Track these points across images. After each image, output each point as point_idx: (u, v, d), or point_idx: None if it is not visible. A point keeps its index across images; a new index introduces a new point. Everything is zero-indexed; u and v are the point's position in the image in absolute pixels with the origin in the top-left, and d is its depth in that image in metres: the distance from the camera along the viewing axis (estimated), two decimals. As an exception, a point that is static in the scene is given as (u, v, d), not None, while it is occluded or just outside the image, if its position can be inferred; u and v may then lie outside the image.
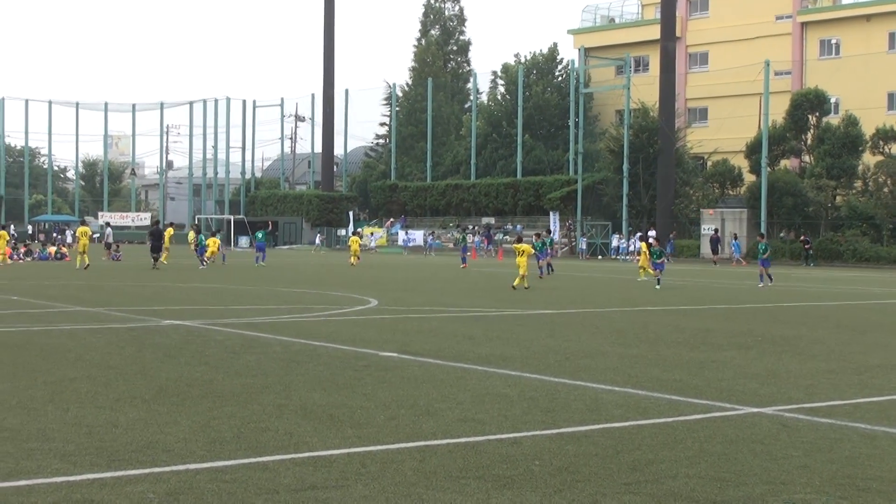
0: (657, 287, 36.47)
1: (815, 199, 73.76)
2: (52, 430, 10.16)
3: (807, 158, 78.43)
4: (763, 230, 72.95)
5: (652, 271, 40.29)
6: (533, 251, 42.51)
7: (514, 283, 34.88)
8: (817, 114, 77.25)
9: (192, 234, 57.39)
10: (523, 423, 10.90)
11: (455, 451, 9.55)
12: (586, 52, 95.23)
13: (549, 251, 48.48)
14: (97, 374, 13.98)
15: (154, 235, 50.41)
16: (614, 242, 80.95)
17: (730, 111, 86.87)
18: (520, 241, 38.47)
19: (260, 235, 59.00)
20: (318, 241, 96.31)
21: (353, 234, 71.40)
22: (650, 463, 9.20)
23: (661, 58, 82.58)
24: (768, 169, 75.11)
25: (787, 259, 71.38)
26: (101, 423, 10.54)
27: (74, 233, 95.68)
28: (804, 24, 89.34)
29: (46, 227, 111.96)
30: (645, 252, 44.69)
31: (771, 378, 14.65)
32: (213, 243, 55.63)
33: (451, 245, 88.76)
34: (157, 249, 49.47)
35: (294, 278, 41.51)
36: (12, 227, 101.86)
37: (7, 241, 56.99)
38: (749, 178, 79.32)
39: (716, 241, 69.50)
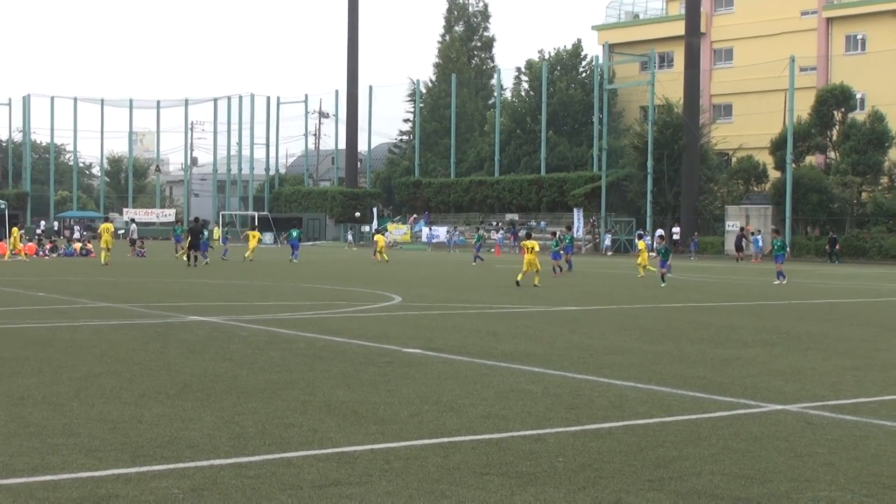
0: (662, 285, 35.98)
1: (841, 195, 73.46)
2: (78, 426, 10.21)
3: (832, 154, 78.11)
4: (788, 227, 72.78)
5: (653, 268, 40.55)
6: (555, 247, 42.43)
7: (518, 277, 34.58)
8: (843, 109, 76.93)
9: (217, 232, 57.63)
10: (547, 420, 10.89)
11: (478, 447, 9.55)
12: (610, 48, 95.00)
13: (571, 248, 48.26)
14: (122, 369, 14.04)
15: (193, 232, 49.40)
16: (636, 240, 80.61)
17: (754, 107, 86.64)
18: (529, 237, 37.88)
19: (294, 234, 59.43)
20: (349, 237, 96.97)
21: (377, 231, 71.42)
22: (674, 460, 9.17)
23: (685, 54, 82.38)
24: (793, 165, 74.82)
25: (813, 256, 71.14)
26: (125, 419, 10.58)
27: (82, 228, 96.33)
28: (830, 20, 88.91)
29: (71, 223, 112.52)
30: (643, 249, 44.75)
31: (796, 375, 14.59)
32: (253, 237, 56.54)
33: (473, 241, 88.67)
34: (195, 247, 48.32)
35: (318, 275, 41.57)
36: (42, 223, 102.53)
37: (30, 238, 57.39)
38: (774, 174, 79.03)
39: (741, 238, 69.28)
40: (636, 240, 50.92)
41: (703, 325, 22.22)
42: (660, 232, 74.28)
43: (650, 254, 46.01)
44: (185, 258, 48.81)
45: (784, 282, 39.47)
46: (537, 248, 34.99)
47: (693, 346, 17.93)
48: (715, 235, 78.71)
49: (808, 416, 11.50)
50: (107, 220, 54.82)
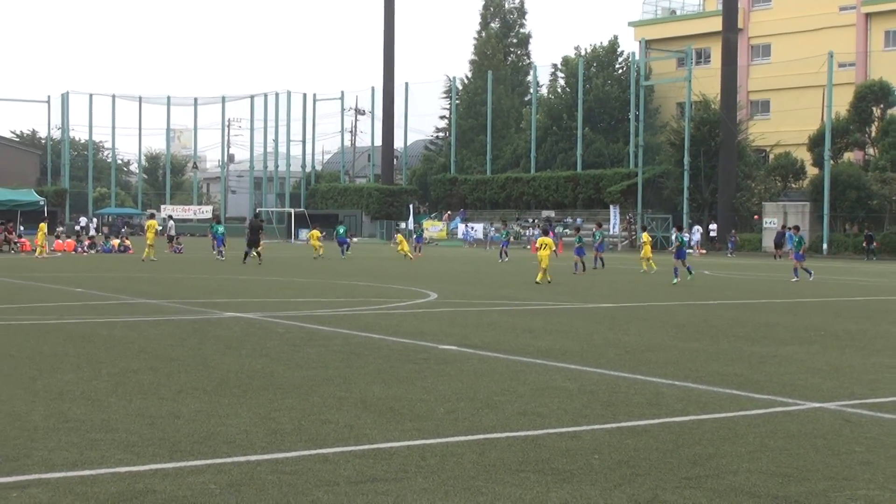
0: (674, 281, 35.46)
1: (880, 192, 72.90)
2: (116, 421, 10.27)
3: (871, 151, 77.58)
4: (825, 224, 72.32)
5: (655, 265, 41.57)
6: (578, 243, 41.89)
7: (538, 279, 34.20)
8: (882, 106, 76.38)
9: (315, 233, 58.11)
10: (583, 417, 10.87)
11: (514, 444, 9.54)
12: (647, 45, 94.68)
13: (602, 247, 48.01)
14: (159, 365, 14.12)
15: (252, 229, 48.99)
16: (696, 236, 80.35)
17: (792, 103, 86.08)
18: (546, 233, 37.07)
19: (341, 230, 59.97)
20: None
21: (398, 231, 71.39)
22: (711, 458, 9.14)
23: (722, 50, 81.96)
24: (831, 162, 74.32)
25: (851, 253, 70.69)
26: (163, 415, 10.64)
27: (121, 224, 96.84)
28: (868, 15, 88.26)
29: (110, 220, 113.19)
30: (648, 243, 44.49)
31: (834, 373, 14.51)
32: (314, 236, 57.10)
33: (511, 238, 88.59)
34: (254, 243, 47.40)
35: (354, 271, 41.64)
36: (83, 219, 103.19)
37: (69, 235, 57.83)
38: (812, 171, 78.58)
39: (781, 236, 68.80)
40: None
41: (739, 322, 22.12)
42: (695, 228, 73.98)
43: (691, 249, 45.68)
44: (246, 256, 48.34)
45: (796, 280, 38.44)
46: (553, 246, 34.57)
47: (730, 344, 17.85)
48: (752, 232, 78.33)
49: (846, 413, 11.43)
50: (152, 216, 55.15)
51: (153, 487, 7.89)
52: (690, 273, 36.12)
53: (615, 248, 79.90)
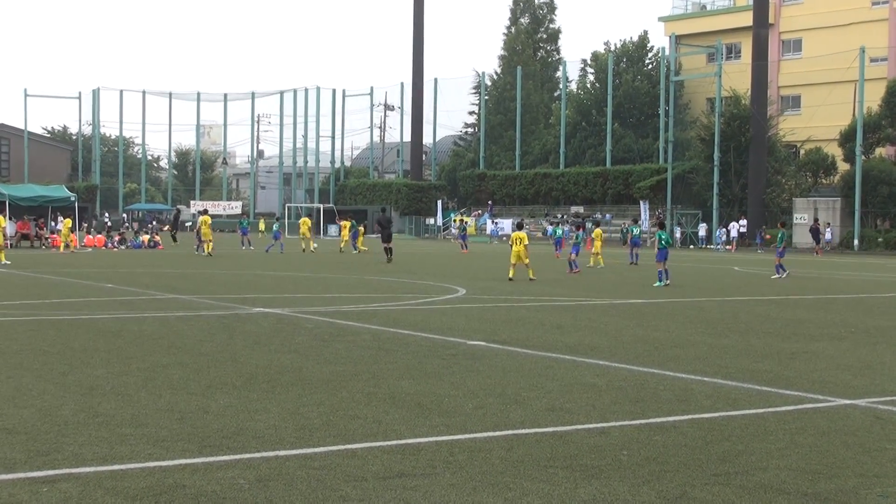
0: (656, 284, 31.90)
1: (912, 187, 72.44)
2: (145, 416, 10.32)
3: (903, 147, 77.08)
4: (857, 220, 71.91)
5: (602, 261, 42.17)
6: (559, 240, 40.81)
7: (511, 275, 33.29)
8: (914, 101, 75.83)
9: (262, 224, 59.09)
10: (611, 413, 10.86)
11: (543, 440, 9.54)
12: (677, 40, 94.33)
13: (638, 241, 47.97)
14: (189, 360, 14.17)
15: (382, 224, 48.77)
16: (701, 232, 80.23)
17: (823, 99, 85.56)
18: (520, 227, 35.45)
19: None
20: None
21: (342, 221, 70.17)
22: (740, 454, 9.11)
23: (753, 45, 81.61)
24: (863, 157, 73.90)
25: (882, 249, 70.28)
26: (192, 410, 10.68)
27: (150, 219, 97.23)
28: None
29: (140, 215, 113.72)
30: (599, 238, 44.63)
31: (865, 369, 14.43)
32: (344, 227, 57.91)
33: (538, 234, 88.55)
34: (388, 238, 47.26)
35: (382, 267, 41.67)
36: (107, 215, 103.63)
37: (99, 230, 58.22)
38: (843, 166, 78.11)
39: (815, 231, 68.42)
40: (591, 226, 49.79)
41: (769, 318, 22.03)
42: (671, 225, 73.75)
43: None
44: (360, 248, 47.89)
45: (783, 276, 37.12)
46: (526, 241, 33.39)
47: (759, 340, 17.79)
48: (783, 229, 77.87)
49: (877, 411, 11.37)
50: (205, 212, 55.65)
51: (182, 482, 7.92)
52: (661, 280, 32.03)
53: (643, 244, 79.68)
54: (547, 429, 10.02)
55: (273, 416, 10.42)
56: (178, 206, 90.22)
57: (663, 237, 33.34)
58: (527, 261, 33.23)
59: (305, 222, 59.39)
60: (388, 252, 46.14)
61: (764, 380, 13.28)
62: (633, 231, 48.95)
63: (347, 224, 60.25)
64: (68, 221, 55.17)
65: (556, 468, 8.51)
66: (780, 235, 38.82)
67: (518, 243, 33.28)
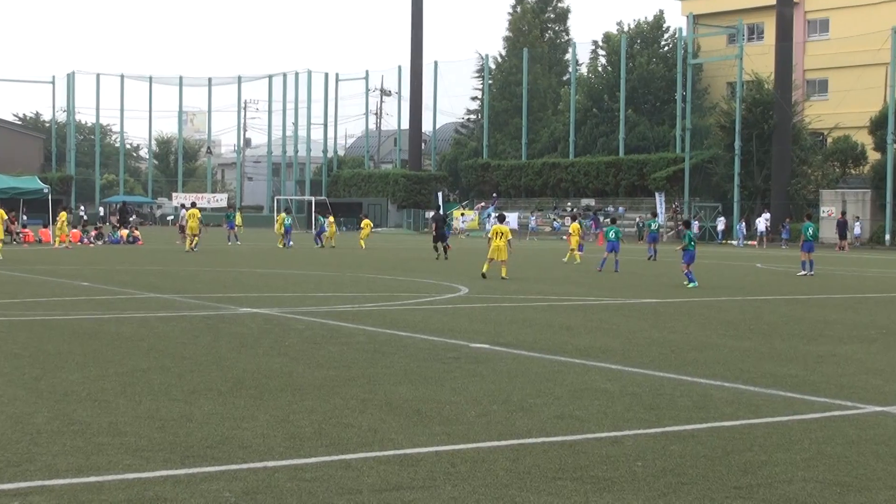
0: (692, 285, 30.95)
1: (947, 178, 72.50)
2: (124, 424, 10.33)
3: (938, 134, 77.07)
4: (889, 213, 71.93)
5: (579, 256, 42.84)
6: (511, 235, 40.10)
7: (484, 269, 32.96)
8: (950, 85, 75.82)
9: (282, 217, 59.68)
10: (625, 421, 10.86)
11: (551, 450, 9.55)
12: (695, 20, 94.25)
13: (656, 235, 48.16)
14: (170, 364, 14.19)
15: (438, 222, 49.57)
16: (720, 226, 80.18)
17: (852, 83, 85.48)
18: (501, 220, 35.27)
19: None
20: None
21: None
22: (763, 465, 9.12)
23: (777, 25, 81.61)
24: (895, 146, 73.91)
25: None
26: (174, 417, 10.69)
27: (129, 213, 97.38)
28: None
29: (118, 207, 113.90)
30: (576, 232, 45.17)
31: (897, 374, 14.46)
32: (331, 222, 60.72)
33: (546, 229, 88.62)
34: (442, 238, 47.82)
35: (379, 264, 41.72)
36: (82, 208, 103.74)
37: (70, 224, 58.34)
38: (873, 156, 78.13)
39: (843, 225, 68.47)
40: (569, 221, 50.04)
41: (794, 319, 22.06)
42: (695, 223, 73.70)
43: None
44: (434, 251, 48.35)
45: (810, 273, 37.03)
46: (509, 236, 32.99)
47: (783, 343, 17.80)
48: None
49: (910, 418, 11.40)
50: (193, 205, 56.34)
51: (164, 495, 7.93)
52: (692, 281, 31.32)
53: (662, 239, 79.75)
54: (555, 438, 10.03)
55: (261, 424, 10.43)
56: (124, 200, 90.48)
57: (691, 236, 32.58)
58: (504, 257, 32.64)
59: (281, 218, 60.84)
60: (445, 250, 47.17)
61: (788, 385, 13.29)
62: (650, 225, 49.07)
63: (332, 219, 61.36)
64: (64, 215, 55.59)
65: (565, 480, 8.52)
66: (805, 227, 38.56)
67: (499, 237, 32.78)
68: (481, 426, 10.51)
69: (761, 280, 35.10)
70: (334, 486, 8.22)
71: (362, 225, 60.81)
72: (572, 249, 44.58)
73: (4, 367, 13.85)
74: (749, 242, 74.94)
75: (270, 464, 8.88)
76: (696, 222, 77.85)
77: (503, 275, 32.55)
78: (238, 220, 76.00)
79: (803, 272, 36.90)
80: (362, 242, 58.05)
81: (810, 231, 37.99)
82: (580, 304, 24.98)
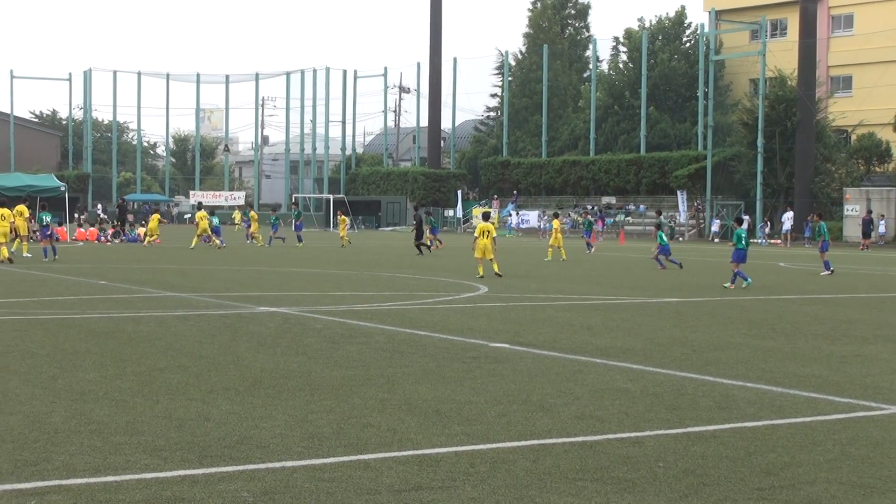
0: (745, 284, 30.42)
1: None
2: (141, 424, 10.36)
3: (964, 131, 76.87)
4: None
5: (564, 252, 43.75)
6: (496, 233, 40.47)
7: (480, 272, 32.71)
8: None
9: (237, 215, 60.89)
10: (646, 422, 10.85)
11: (571, 450, 9.54)
12: (717, 15, 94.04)
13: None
14: (188, 364, 14.22)
15: (418, 222, 50.99)
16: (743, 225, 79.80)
17: (877, 79, 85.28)
18: (486, 218, 35.08)
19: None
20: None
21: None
22: (786, 466, 9.10)
23: (800, 20, 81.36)
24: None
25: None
26: (192, 417, 10.71)
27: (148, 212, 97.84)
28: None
29: (136, 206, 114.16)
30: (557, 230, 46.06)
31: (922, 374, 14.41)
32: (343, 221, 60.37)
33: (566, 228, 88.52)
34: (419, 236, 49.62)
35: (398, 263, 41.72)
36: (99, 206, 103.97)
37: (92, 224, 58.67)
38: (899, 153, 77.92)
39: (867, 223, 68.21)
40: (553, 218, 50.37)
41: (818, 318, 21.99)
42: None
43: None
44: (418, 250, 48.94)
45: (828, 273, 36.73)
46: (494, 234, 32.95)
47: (807, 342, 17.75)
48: (832, 220, 77.74)
49: (936, 419, 11.36)
50: (200, 206, 57.60)
51: (181, 495, 7.95)
52: (746, 279, 30.74)
53: (682, 238, 79.64)
54: (576, 438, 10.03)
55: (279, 423, 10.44)
56: (123, 197, 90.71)
57: (742, 236, 31.60)
58: (491, 256, 32.49)
59: (253, 217, 62.00)
60: (420, 247, 48.99)
61: (812, 386, 13.25)
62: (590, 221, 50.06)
63: (346, 219, 61.48)
64: (157, 216, 57.28)
65: (585, 481, 8.51)
66: (819, 228, 38.47)
67: (484, 236, 32.59)
68: (501, 426, 10.51)
69: (784, 279, 34.99)
70: (353, 487, 8.23)
71: (339, 221, 61.59)
72: (553, 247, 45.56)
73: (21, 365, 13.90)
74: (773, 241, 74.73)
75: (288, 464, 8.89)
76: (748, 217, 76.61)
77: (497, 271, 32.42)
78: (237, 217, 76.85)
79: (827, 272, 36.73)
80: (346, 238, 58.67)
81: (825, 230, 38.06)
82: (601, 303, 24.95)
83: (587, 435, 10.17)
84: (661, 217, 51.75)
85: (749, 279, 30.50)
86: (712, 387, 13.05)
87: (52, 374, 13.29)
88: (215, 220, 55.32)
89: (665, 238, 40.53)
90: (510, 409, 11.35)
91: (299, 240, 58.65)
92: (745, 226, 32.38)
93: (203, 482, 8.32)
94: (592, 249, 54.16)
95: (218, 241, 52.61)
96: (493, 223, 34.09)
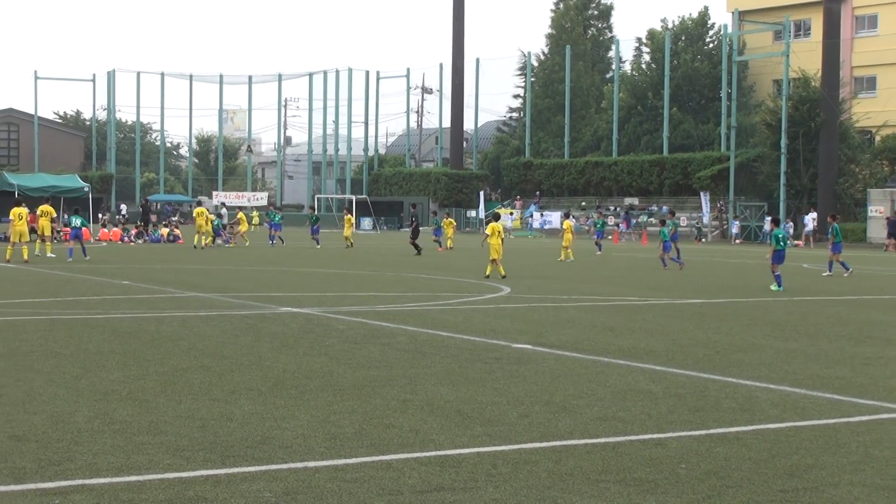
0: (775, 288, 30.02)
1: None
2: (164, 423, 10.39)
3: None
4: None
5: (572, 255, 44.02)
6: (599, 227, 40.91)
7: (487, 272, 32.57)
8: None
9: (256, 216, 60.75)
10: (668, 423, 10.83)
11: (594, 451, 9.53)
12: (740, 16, 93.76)
13: (676, 236, 48.16)
14: (211, 364, 14.25)
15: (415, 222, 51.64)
16: (765, 226, 79.59)
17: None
18: (497, 218, 35.46)
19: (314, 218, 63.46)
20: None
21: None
22: (809, 469, 9.07)
23: (824, 21, 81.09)
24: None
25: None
26: (214, 417, 10.74)
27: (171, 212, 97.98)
28: None
29: (158, 207, 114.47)
30: (569, 230, 45.96)
31: (946, 376, 14.35)
32: (448, 225, 60.34)
33: (586, 229, 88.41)
34: (415, 235, 49.87)
35: (420, 263, 41.73)
36: (123, 206, 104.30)
37: (115, 224, 58.84)
38: (924, 154, 77.60)
39: (893, 224, 67.84)
40: (562, 219, 50.43)
41: (841, 320, 21.92)
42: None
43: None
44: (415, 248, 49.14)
45: (830, 274, 36.66)
46: (503, 234, 33.03)
47: (830, 344, 17.69)
48: (856, 222, 77.44)
49: (960, 421, 11.31)
50: (199, 203, 57.92)
51: (204, 495, 7.97)
52: (779, 285, 30.10)
53: (705, 239, 79.47)
54: (598, 439, 10.01)
55: (301, 424, 10.46)
56: (147, 198, 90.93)
57: (780, 236, 31.00)
58: (498, 256, 32.40)
59: (242, 219, 61.46)
60: (415, 247, 48.91)
61: (835, 387, 13.21)
62: (671, 226, 49.21)
63: (350, 218, 61.22)
64: (205, 212, 57.25)
65: (608, 482, 8.50)
66: (832, 229, 38.26)
67: (495, 236, 32.47)
68: (523, 427, 10.50)
69: (807, 280, 34.88)
70: (375, 487, 8.24)
71: (344, 220, 61.30)
72: (566, 247, 45.29)
73: (45, 365, 13.95)
74: (797, 242, 74.44)
75: (311, 464, 8.90)
76: (790, 224, 75.69)
77: (502, 273, 32.37)
78: (255, 218, 76.78)
79: (847, 272, 36.62)
80: (350, 239, 58.16)
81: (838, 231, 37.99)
82: (623, 305, 24.91)
83: (609, 436, 10.16)
84: (672, 217, 51.64)
85: (781, 286, 30.00)
86: (735, 388, 13.01)
87: (76, 373, 13.33)
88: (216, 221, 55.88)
89: (668, 234, 40.89)
90: (532, 410, 11.34)
91: (317, 242, 58.70)
92: (782, 227, 32.06)
93: (225, 482, 8.33)
94: (601, 250, 53.78)
95: (213, 241, 53.49)
96: (512, 223, 34.22)
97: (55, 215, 45.72)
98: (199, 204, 58.50)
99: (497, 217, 35.51)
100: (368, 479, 8.45)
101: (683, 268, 39.11)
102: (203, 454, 9.18)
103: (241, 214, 61.74)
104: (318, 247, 56.61)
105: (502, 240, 32.74)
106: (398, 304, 24.02)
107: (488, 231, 33.10)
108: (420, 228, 50.77)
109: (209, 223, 55.54)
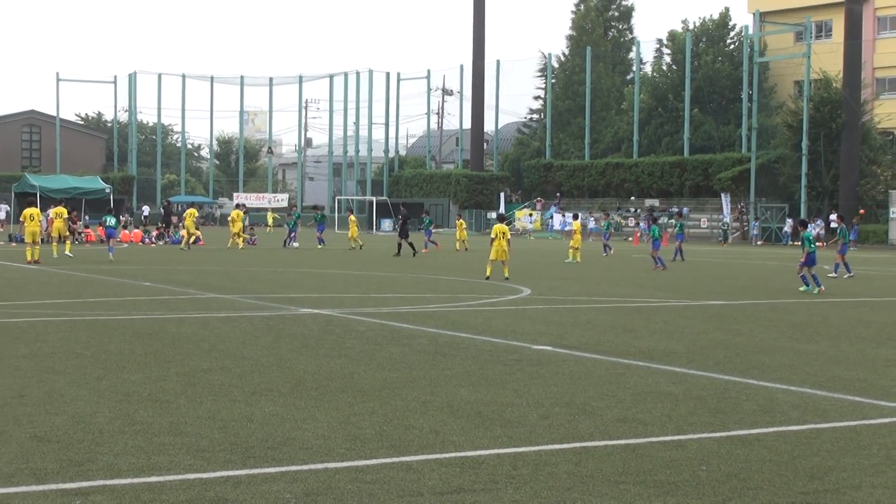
0: (803, 289, 30.04)
1: None
2: (185, 424, 10.41)
3: None
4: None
5: (579, 258, 43.86)
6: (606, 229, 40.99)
7: (488, 273, 32.72)
8: None
9: (271, 216, 60.24)
10: (689, 425, 10.82)
11: (614, 453, 9.52)
12: (762, 17, 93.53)
13: (682, 236, 48.39)
14: (231, 365, 14.27)
15: (404, 219, 51.47)
16: (786, 227, 79.31)
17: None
18: (501, 220, 35.40)
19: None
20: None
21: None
22: (830, 471, 9.05)
23: (845, 22, 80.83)
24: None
25: None
26: (235, 418, 10.76)
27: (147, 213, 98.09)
28: None
29: (180, 208, 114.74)
30: (578, 231, 46.25)
31: (968, 379, 14.29)
32: (460, 227, 60.72)
33: (612, 230, 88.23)
34: (405, 235, 49.62)
35: (440, 265, 41.75)
36: (145, 208, 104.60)
37: (136, 225, 59.03)
38: (946, 155, 77.27)
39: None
40: (571, 220, 50.49)
41: (863, 322, 21.85)
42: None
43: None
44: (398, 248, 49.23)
45: (835, 276, 36.50)
46: (509, 235, 32.96)
47: (852, 346, 17.64)
48: (878, 223, 77.17)
49: (982, 424, 11.26)
50: (191, 205, 57.78)
51: (224, 496, 7.99)
52: (807, 286, 30.02)
53: (726, 240, 79.26)
54: (618, 441, 10.01)
55: (322, 425, 10.47)
56: (168, 199, 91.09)
57: (810, 238, 30.45)
58: (506, 257, 32.49)
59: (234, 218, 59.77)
60: (411, 246, 49.05)
61: (857, 389, 13.17)
62: (681, 226, 49.44)
63: (355, 220, 60.83)
64: (192, 211, 56.59)
65: (628, 484, 8.49)
66: (840, 230, 38.22)
67: (500, 237, 32.48)
68: (543, 429, 10.50)
69: (829, 282, 34.77)
70: (395, 488, 8.24)
71: (349, 221, 60.64)
72: (574, 248, 45.26)
73: (66, 366, 14.00)
74: (818, 244, 74.05)
75: (331, 465, 8.92)
76: (816, 226, 74.81)
77: (506, 275, 32.39)
78: (270, 220, 76.63)
79: (850, 274, 36.55)
80: (358, 241, 57.71)
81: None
82: (643, 306, 24.87)
83: (630, 438, 10.15)
84: (679, 217, 51.65)
85: (810, 288, 29.88)
86: (756, 390, 12.99)
87: (97, 374, 13.38)
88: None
89: (658, 233, 41.60)
90: (552, 412, 11.34)
91: (320, 241, 58.76)
92: (810, 228, 31.99)
93: (246, 483, 8.35)
94: (611, 251, 53.40)
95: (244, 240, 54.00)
96: (532, 225, 34.42)
97: (66, 215, 45.87)
98: (192, 205, 58.13)
99: (502, 218, 35.55)
100: (388, 481, 8.46)
101: (665, 270, 38.97)
102: (223, 455, 9.20)
103: (234, 213, 58.92)
104: (320, 247, 56.81)
105: (508, 241, 32.69)
106: (418, 305, 24.03)
107: (492, 234, 33.22)
108: (408, 229, 50.05)
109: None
